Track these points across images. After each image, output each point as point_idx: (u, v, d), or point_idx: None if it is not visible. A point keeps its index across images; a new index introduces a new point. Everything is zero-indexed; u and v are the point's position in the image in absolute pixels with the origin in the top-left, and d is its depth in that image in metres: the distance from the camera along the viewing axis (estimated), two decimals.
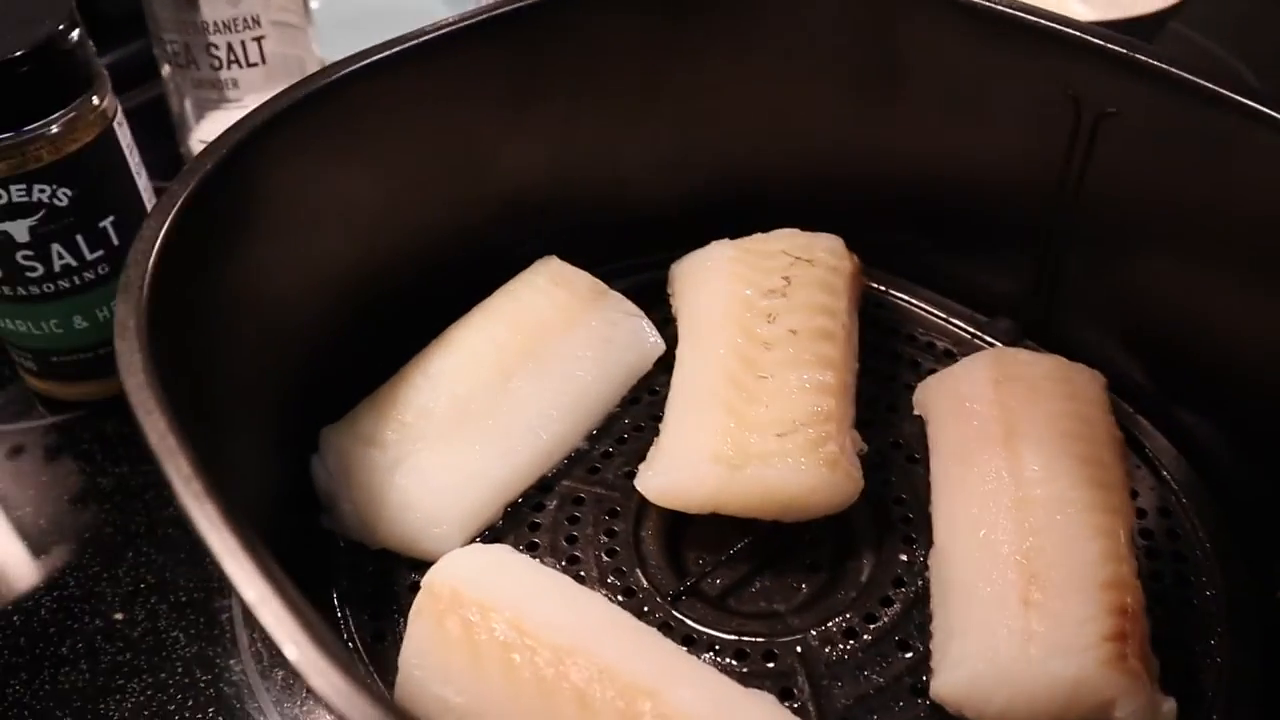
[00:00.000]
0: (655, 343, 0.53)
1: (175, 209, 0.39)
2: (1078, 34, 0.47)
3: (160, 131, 0.72)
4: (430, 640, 0.39)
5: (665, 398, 0.50)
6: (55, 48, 0.48)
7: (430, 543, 0.45)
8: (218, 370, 0.42)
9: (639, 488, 0.46)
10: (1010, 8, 0.49)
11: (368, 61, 0.47)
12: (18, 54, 0.46)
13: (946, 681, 0.41)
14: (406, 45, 0.48)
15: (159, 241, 0.37)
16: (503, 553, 0.43)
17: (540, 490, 0.48)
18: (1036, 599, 0.40)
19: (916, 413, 0.51)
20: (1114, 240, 0.51)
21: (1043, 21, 0.48)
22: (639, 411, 0.52)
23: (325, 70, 0.46)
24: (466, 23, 0.49)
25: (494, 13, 0.50)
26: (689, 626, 0.44)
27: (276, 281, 0.46)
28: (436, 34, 0.49)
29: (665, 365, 0.53)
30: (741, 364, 0.48)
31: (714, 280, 0.53)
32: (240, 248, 0.43)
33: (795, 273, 0.51)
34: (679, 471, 0.45)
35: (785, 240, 0.53)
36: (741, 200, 0.57)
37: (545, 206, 0.55)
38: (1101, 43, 0.46)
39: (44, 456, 0.56)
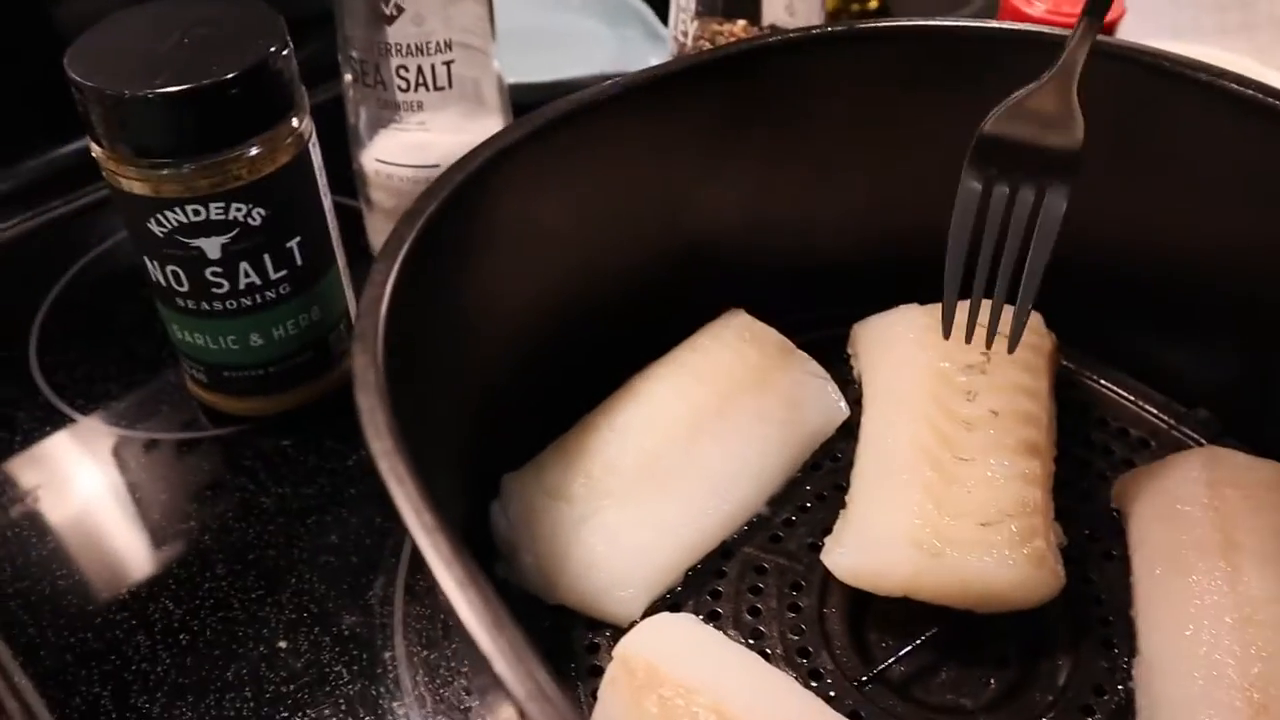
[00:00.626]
0: (841, 407, 0.51)
1: (403, 253, 0.38)
2: None
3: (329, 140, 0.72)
4: (625, 715, 0.38)
5: (847, 465, 0.49)
6: (267, 70, 0.47)
7: (614, 605, 0.43)
8: (423, 410, 0.41)
9: (827, 564, 0.44)
10: (1249, 88, 0.46)
11: (579, 104, 0.46)
12: (230, 76, 0.46)
13: None
14: (614, 90, 0.47)
15: (389, 286, 0.37)
16: (694, 625, 0.42)
17: (721, 556, 0.47)
18: None
19: (1114, 506, 0.49)
20: None
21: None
22: (821, 479, 0.50)
23: (540, 113, 0.45)
24: (678, 67, 0.48)
25: (704, 58, 0.49)
26: (879, 717, 0.42)
27: (477, 324, 0.45)
28: (644, 80, 0.48)
29: (847, 431, 0.51)
30: (939, 442, 0.46)
31: (904, 347, 0.51)
32: (451, 289, 0.43)
33: (993, 349, 0.49)
34: (873, 553, 0.43)
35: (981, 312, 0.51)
36: (932, 263, 0.55)
37: (733, 254, 0.54)
38: None
39: (207, 469, 0.56)
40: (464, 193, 0.41)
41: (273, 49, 0.48)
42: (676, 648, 0.40)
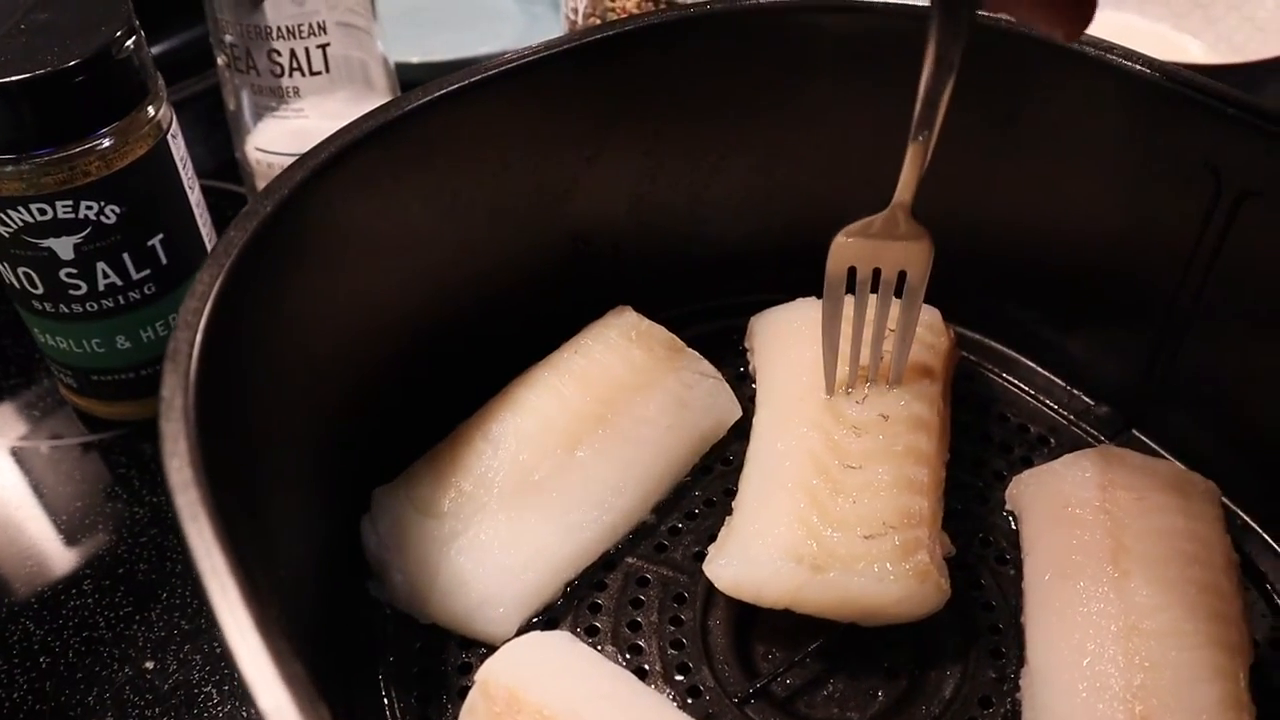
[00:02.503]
0: (732, 407, 0.49)
1: (231, 261, 0.35)
2: (1223, 101, 0.43)
3: (214, 125, 0.69)
4: None
5: (739, 468, 0.47)
6: (111, 57, 0.44)
7: (485, 624, 0.42)
8: (268, 426, 0.39)
9: (709, 575, 0.43)
10: (1149, 68, 0.44)
11: (441, 92, 0.43)
12: (71, 64, 0.43)
13: None
14: (483, 74, 0.44)
15: (211, 299, 0.34)
16: (562, 644, 0.40)
17: (603, 567, 0.45)
18: None
19: (1009, 507, 0.48)
20: (1240, 330, 0.46)
21: (1184, 85, 0.43)
22: (711, 484, 0.49)
23: (396, 102, 0.43)
24: (547, 52, 0.45)
25: (577, 42, 0.46)
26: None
27: (333, 328, 0.43)
28: (515, 63, 0.45)
29: (740, 430, 0.49)
30: (828, 449, 0.44)
31: (799, 345, 0.49)
32: (296, 295, 0.40)
33: (888, 346, 0.47)
34: (754, 565, 0.42)
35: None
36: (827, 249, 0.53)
37: (621, 249, 0.51)
38: (1250, 114, 0.42)
39: (78, 478, 0.53)
40: (304, 193, 0.39)
41: (118, 34, 0.45)
42: (539, 670, 0.38)
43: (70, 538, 0.50)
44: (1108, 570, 0.41)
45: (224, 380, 0.34)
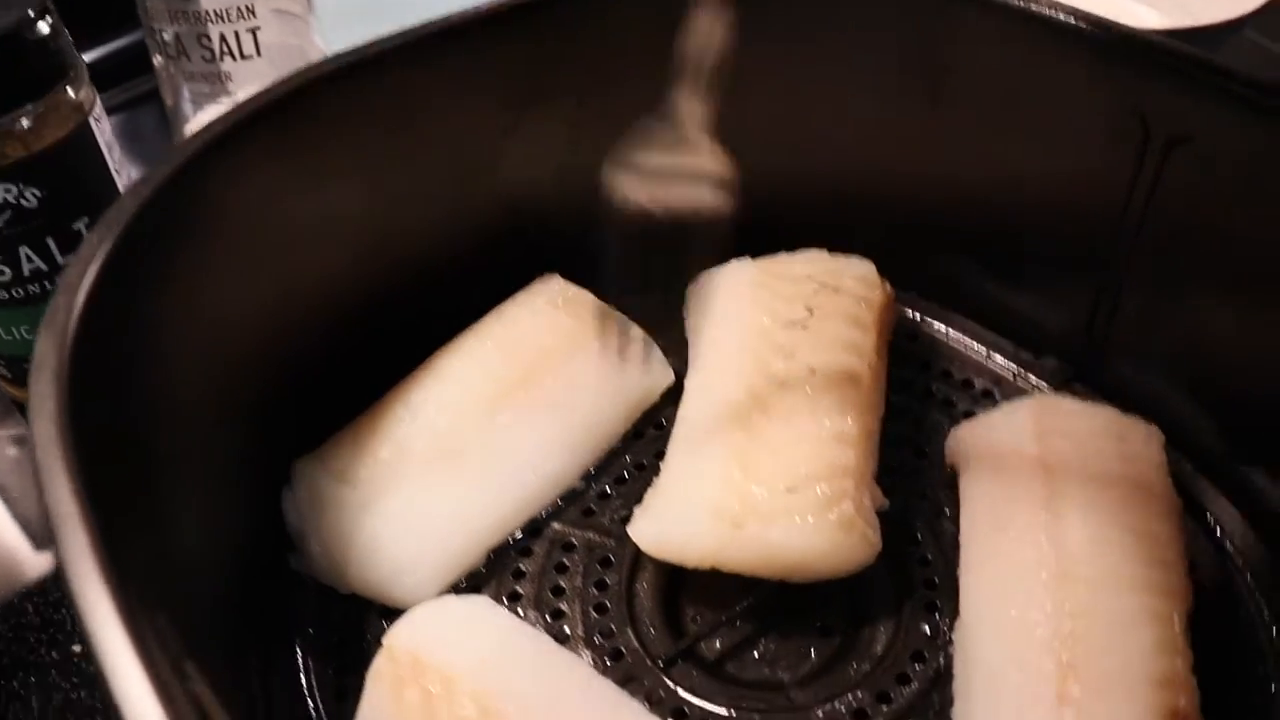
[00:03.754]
0: (664, 372, 0.49)
1: (119, 227, 0.35)
2: (1148, 47, 0.42)
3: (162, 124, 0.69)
4: (386, 710, 0.36)
5: (670, 432, 0.46)
6: (22, 36, 0.44)
7: (401, 591, 0.41)
8: (171, 400, 0.38)
9: (632, 536, 0.42)
10: (1074, 17, 0.43)
11: (348, 61, 0.43)
12: None
13: None
14: (395, 43, 0.44)
15: (97, 263, 0.34)
16: (478, 608, 0.39)
17: (529, 534, 0.44)
18: (1074, 694, 0.35)
19: (949, 462, 0.46)
20: (1180, 277, 0.45)
21: (1109, 33, 0.43)
22: (642, 448, 0.48)
23: (302, 71, 0.42)
24: (462, 20, 0.45)
25: (494, 9, 0.46)
26: (680, 698, 0.39)
27: (247, 303, 0.42)
28: (429, 31, 0.45)
29: (674, 397, 0.48)
30: (754, 405, 0.43)
31: (730, 304, 0.48)
32: (201, 266, 0.39)
33: (819, 301, 0.46)
34: (675, 524, 0.41)
35: (811, 263, 0.49)
36: (765, 216, 0.52)
37: (548, 218, 0.51)
38: (1175, 59, 0.41)
39: (14, 468, 0.53)
40: (200, 165, 0.38)
41: (30, 11, 0.44)
42: (447, 634, 0.37)
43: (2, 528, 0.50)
44: (1041, 518, 0.40)
45: (110, 348, 0.33)
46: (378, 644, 0.41)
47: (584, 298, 0.48)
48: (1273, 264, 0.41)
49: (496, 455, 0.43)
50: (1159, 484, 0.41)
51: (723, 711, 0.39)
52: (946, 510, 0.45)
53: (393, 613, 0.42)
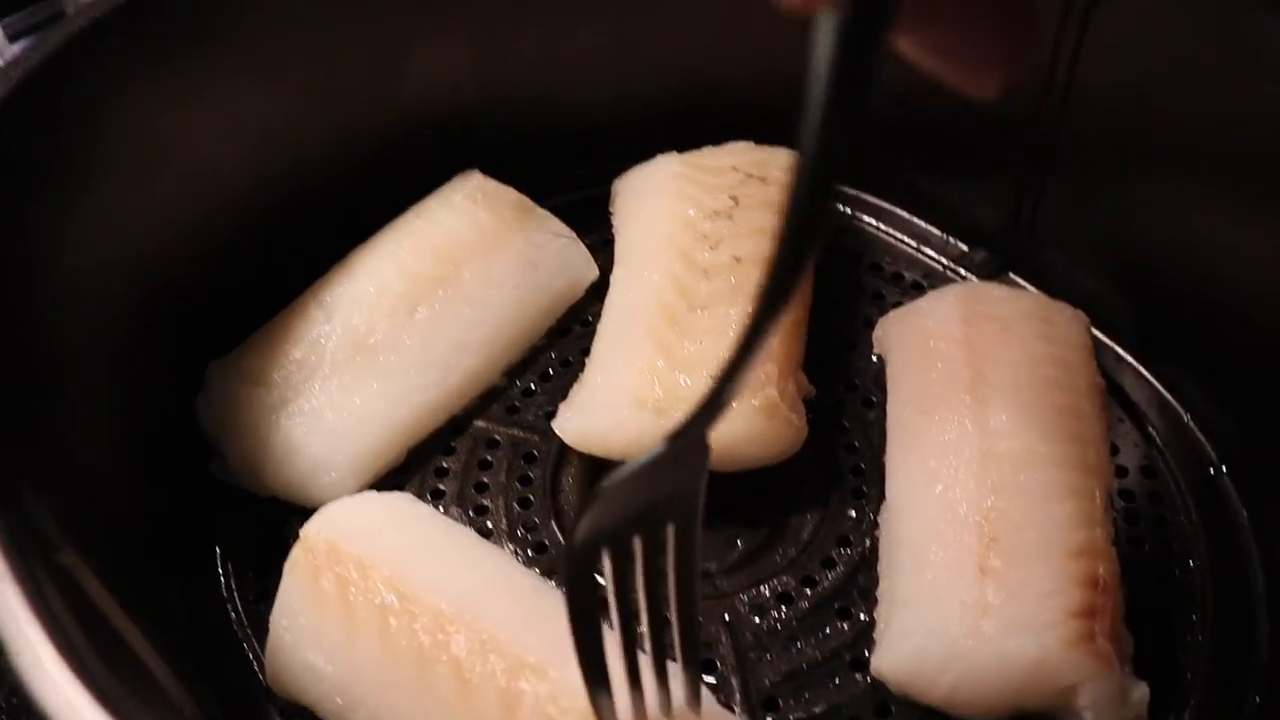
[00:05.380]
0: (587, 267, 0.47)
1: None
2: None
3: None
4: (303, 599, 0.35)
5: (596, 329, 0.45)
6: None
7: (319, 490, 0.40)
8: (78, 304, 0.37)
9: (556, 429, 0.41)
10: None
11: None
12: None
13: (889, 657, 0.36)
14: None
15: None
16: (397, 503, 0.38)
17: (452, 431, 0.43)
18: (995, 566, 0.35)
19: (876, 352, 0.46)
20: (1105, 159, 0.45)
21: None
22: (568, 344, 0.47)
23: None
24: None
25: None
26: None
27: (150, 209, 0.40)
28: None
29: (600, 292, 0.47)
30: (678, 294, 0.42)
31: (655, 198, 0.47)
32: (88, 170, 0.37)
33: (745, 192, 0.45)
34: (599, 414, 0.40)
35: (737, 155, 0.48)
36: (692, 109, 0.51)
37: (469, 115, 0.49)
38: None
39: None
40: (68, 63, 0.36)
41: None
42: (364, 526, 0.36)
43: None
44: (966, 399, 0.40)
45: None
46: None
47: (504, 193, 0.47)
48: (1197, 141, 0.41)
49: (414, 351, 0.42)
50: (1083, 365, 0.41)
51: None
52: (874, 399, 0.45)
53: (312, 514, 0.41)
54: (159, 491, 0.41)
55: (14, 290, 0.34)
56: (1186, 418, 0.44)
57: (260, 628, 0.38)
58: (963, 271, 0.50)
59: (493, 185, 0.47)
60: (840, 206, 0.52)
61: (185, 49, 0.40)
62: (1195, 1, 0.38)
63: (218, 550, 0.41)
